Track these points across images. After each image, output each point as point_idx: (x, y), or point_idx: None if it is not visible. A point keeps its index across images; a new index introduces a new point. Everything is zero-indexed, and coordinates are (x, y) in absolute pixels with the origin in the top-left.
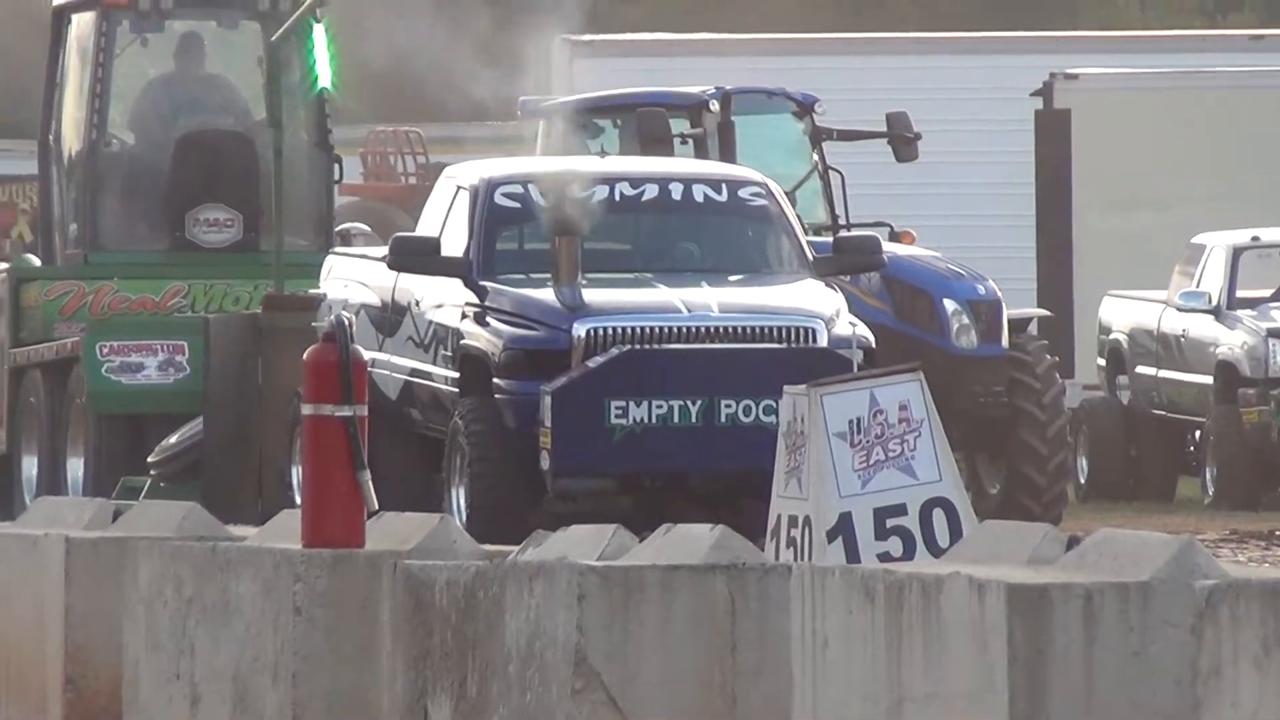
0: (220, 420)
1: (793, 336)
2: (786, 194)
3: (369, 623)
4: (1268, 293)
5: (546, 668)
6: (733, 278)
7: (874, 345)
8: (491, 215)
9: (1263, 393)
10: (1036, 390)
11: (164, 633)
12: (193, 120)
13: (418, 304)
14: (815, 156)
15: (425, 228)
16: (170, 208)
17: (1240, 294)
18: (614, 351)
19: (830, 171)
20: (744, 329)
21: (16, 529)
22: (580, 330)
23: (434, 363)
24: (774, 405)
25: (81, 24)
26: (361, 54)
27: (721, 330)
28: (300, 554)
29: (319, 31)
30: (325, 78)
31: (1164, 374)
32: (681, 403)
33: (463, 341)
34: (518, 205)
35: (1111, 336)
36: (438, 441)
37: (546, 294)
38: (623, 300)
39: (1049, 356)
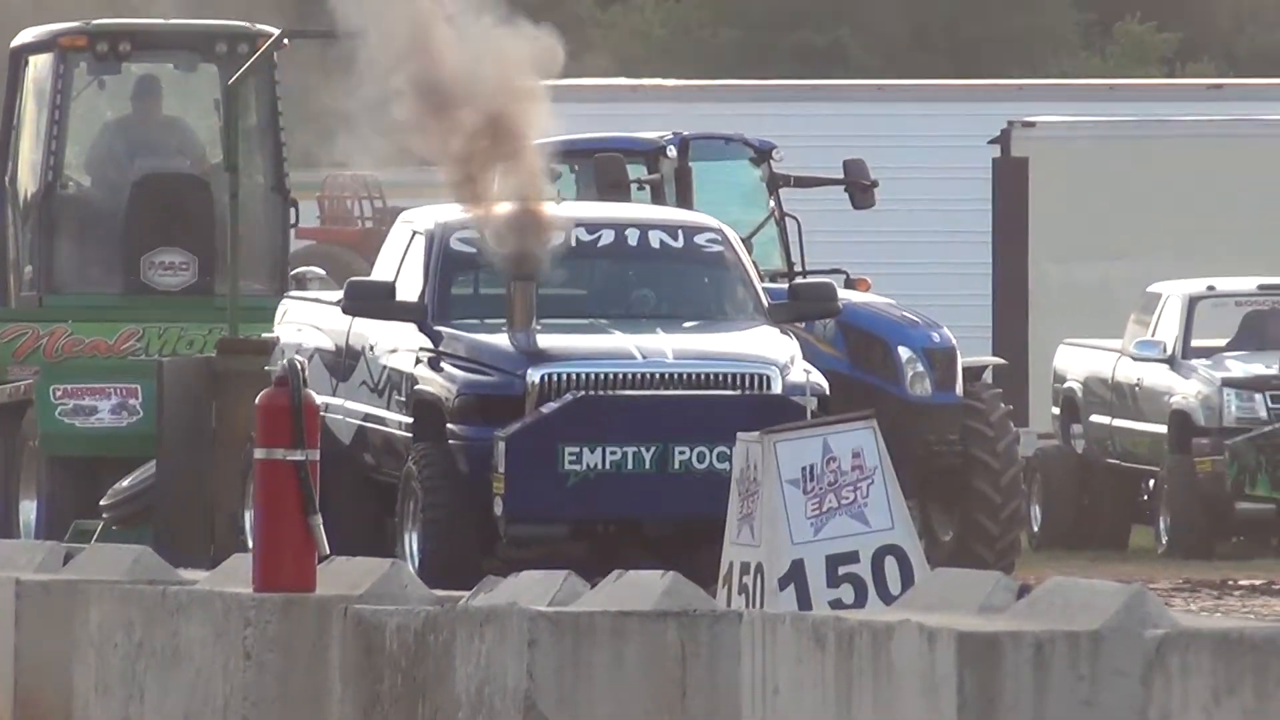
0: (173, 464)
1: (747, 383)
2: (743, 240)
3: (319, 667)
4: (1223, 342)
5: (496, 714)
6: (688, 324)
7: (828, 392)
8: (447, 260)
9: (1216, 442)
10: (990, 438)
11: (114, 676)
12: (149, 163)
13: (372, 349)
14: (772, 203)
15: (380, 272)
16: (126, 250)
17: (1195, 343)
18: (568, 397)
19: (787, 218)
20: (698, 375)
21: None
22: (535, 376)
23: (388, 408)
24: (727, 452)
25: (39, 65)
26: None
27: (676, 376)
28: (251, 598)
29: (283, 136)
30: (288, 183)
31: (1118, 423)
32: (635, 449)
33: (417, 387)
34: (473, 250)
35: (1066, 385)
36: (390, 487)
37: (501, 339)
38: (577, 346)
39: (1003, 405)
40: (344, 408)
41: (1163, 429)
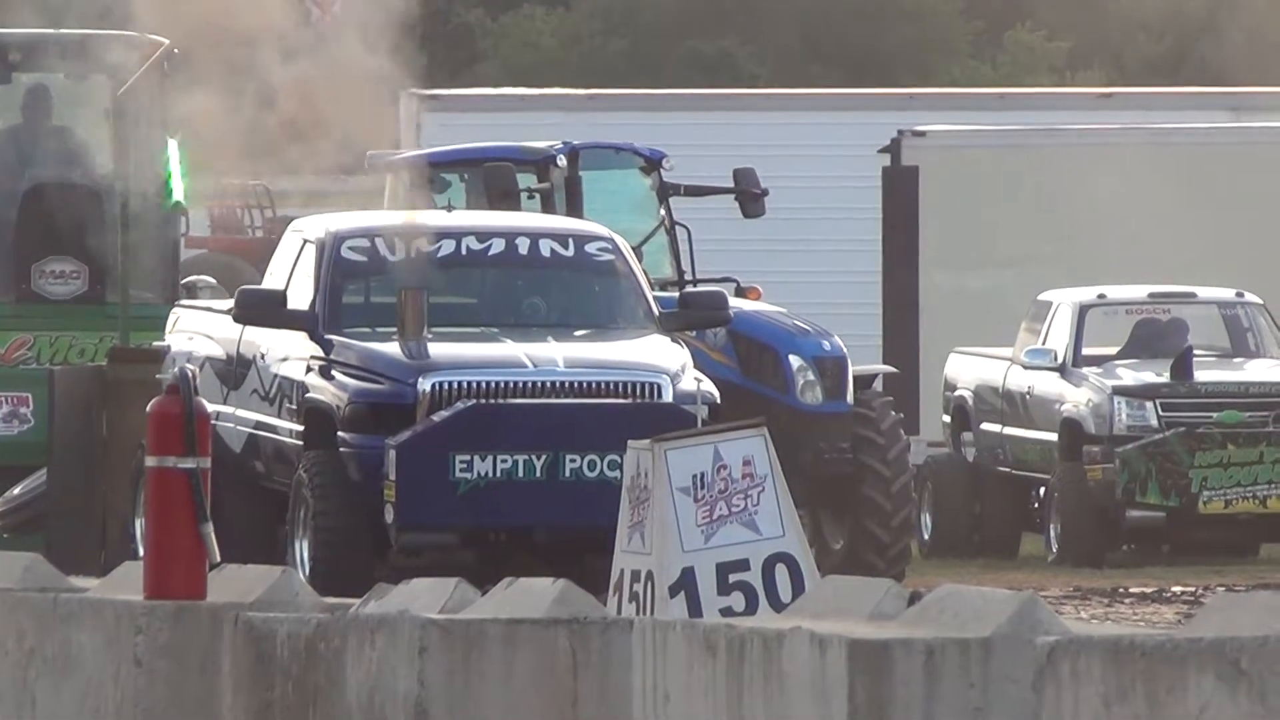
0: (64, 472)
1: (638, 392)
2: (633, 249)
3: (210, 675)
4: (1114, 350)
5: None
6: (579, 332)
7: (719, 401)
8: (337, 269)
9: (1107, 450)
10: (881, 446)
11: (5, 683)
12: (39, 172)
13: (263, 357)
14: (662, 212)
15: (271, 281)
16: (16, 259)
17: (1086, 351)
18: (459, 406)
19: (677, 226)
20: (589, 384)
21: None
22: (425, 385)
23: (279, 416)
24: (618, 460)
25: None
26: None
27: (566, 385)
28: (142, 606)
29: (173, 146)
30: (178, 192)
31: (1009, 431)
32: (526, 457)
33: (308, 395)
34: (364, 259)
35: (957, 393)
36: (282, 494)
37: (392, 348)
38: (468, 355)
39: (894, 413)
40: (235, 416)
41: (1053, 437)
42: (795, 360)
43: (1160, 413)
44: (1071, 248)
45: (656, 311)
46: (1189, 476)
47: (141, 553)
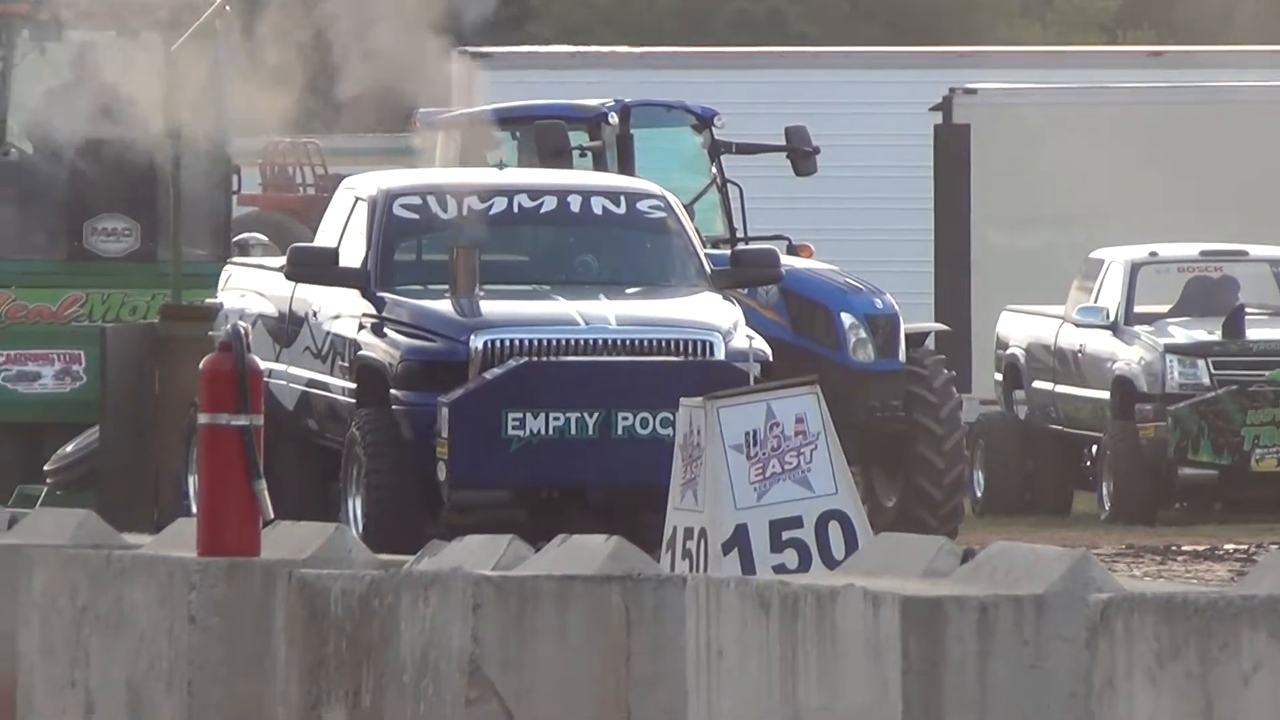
0: (116, 429)
1: (690, 349)
2: (685, 207)
3: (264, 632)
4: (1165, 308)
5: (441, 677)
6: (630, 290)
7: (771, 359)
8: (390, 226)
9: (1159, 408)
10: (933, 404)
11: (59, 640)
12: (91, 130)
13: (315, 315)
14: (714, 170)
15: (323, 239)
16: (68, 217)
17: (1138, 309)
18: (511, 363)
19: (729, 185)
20: (641, 341)
21: None
22: (478, 342)
23: (331, 373)
24: (670, 418)
25: None
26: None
27: (618, 343)
28: (195, 562)
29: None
30: (230, 149)
31: (1061, 389)
32: (578, 415)
33: (360, 352)
34: (416, 217)
35: (1009, 351)
36: (334, 452)
37: (444, 305)
38: (520, 312)
39: (946, 371)
40: (287, 373)
41: (1105, 395)
42: (847, 318)
43: (1212, 371)
44: (1123, 206)
45: (708, 269)
46: (1241, 434)
47: (194, 510)
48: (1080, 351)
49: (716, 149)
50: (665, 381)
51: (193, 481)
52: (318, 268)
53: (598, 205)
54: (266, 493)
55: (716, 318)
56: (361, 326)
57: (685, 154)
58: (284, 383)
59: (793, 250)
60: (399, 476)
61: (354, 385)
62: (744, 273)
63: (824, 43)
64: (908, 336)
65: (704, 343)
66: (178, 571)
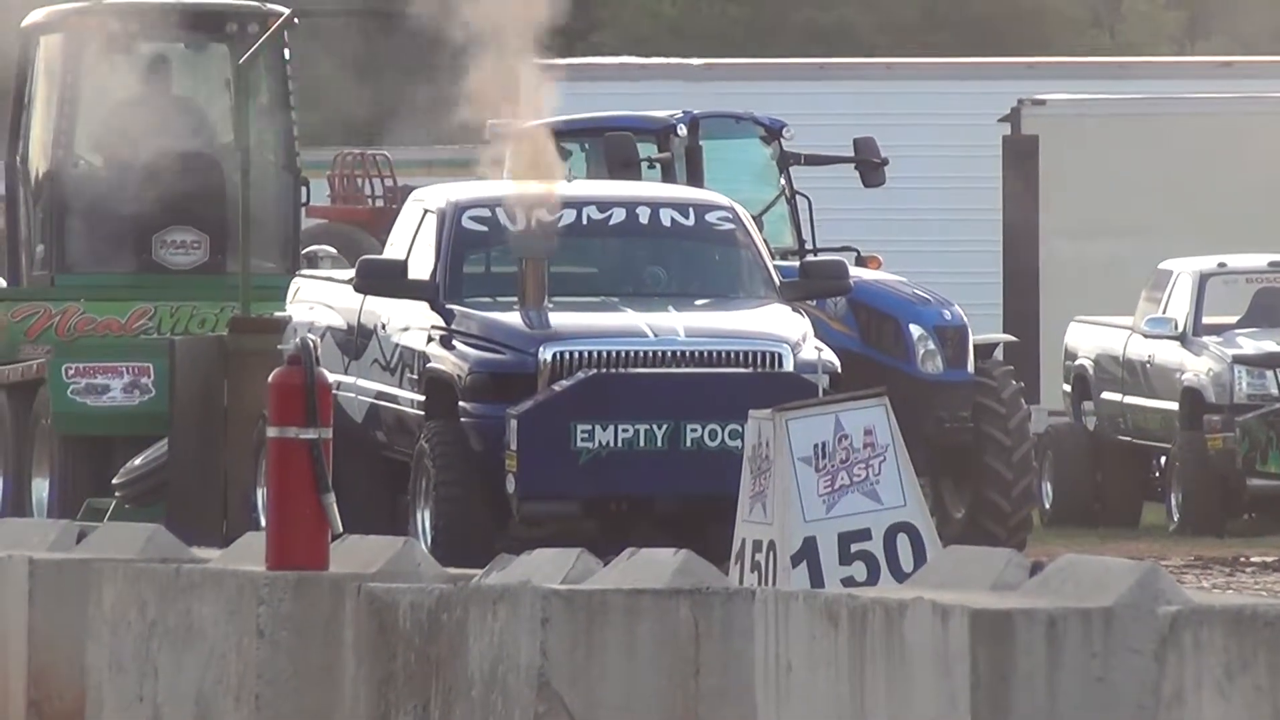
0: (185, 442)
1: (758, 361)
2: (754, 218)
3: (332, 645)
4: (1234, 319)
5: (510, 691)
6: (699, 302)
7: (839, 370)
8: (458, 238)
9: (1228, 419)
10: (1002, 415)
11: (127, 655)
12: (160, 142)
13: (384, 327)
14: (782, 181)
15: (392, 251)
16: (137, 229)
17: (1206, 320)
18: (580, 375)
19: (797, 196)
20: (710, 353)
21: None
22: (546, 354)
23: (400, 386)
24: (739, 429)
25: (50, 45)
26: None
27: (687, 354)
28: (264, 576)
29: (294, 115)
30: (299, 162)
31: (1129, 400)
32: (647, 426)
33: (429, 364)
34: (485, 229)
35: (1077, 362)
36: (403, 464)
37: (513, 317)
38: (589, 324)
39: (1014, 382)
40: (356, 386)
41: (1174, 406)
42: (916, 329)
43: None
44: (1191, 217)
45: (777, 281)
46: None
47: (263, 523)
48: (1149, 362)
49: (785, 160)
50: (734, 393)
51: (261, 495)
52: (386, 280)
53: (666, 217)
54: (335, 506)
55: (785, 329)
56: (430, 339)
57: (754, 165)
58: (353, 395)
59: (861, 262)
60: (468, 489)
61: (423, 397)
62: (812, 284)
63: (893, 53)
64: (976, 348)
65: (773, 354)
66: (246, 585)
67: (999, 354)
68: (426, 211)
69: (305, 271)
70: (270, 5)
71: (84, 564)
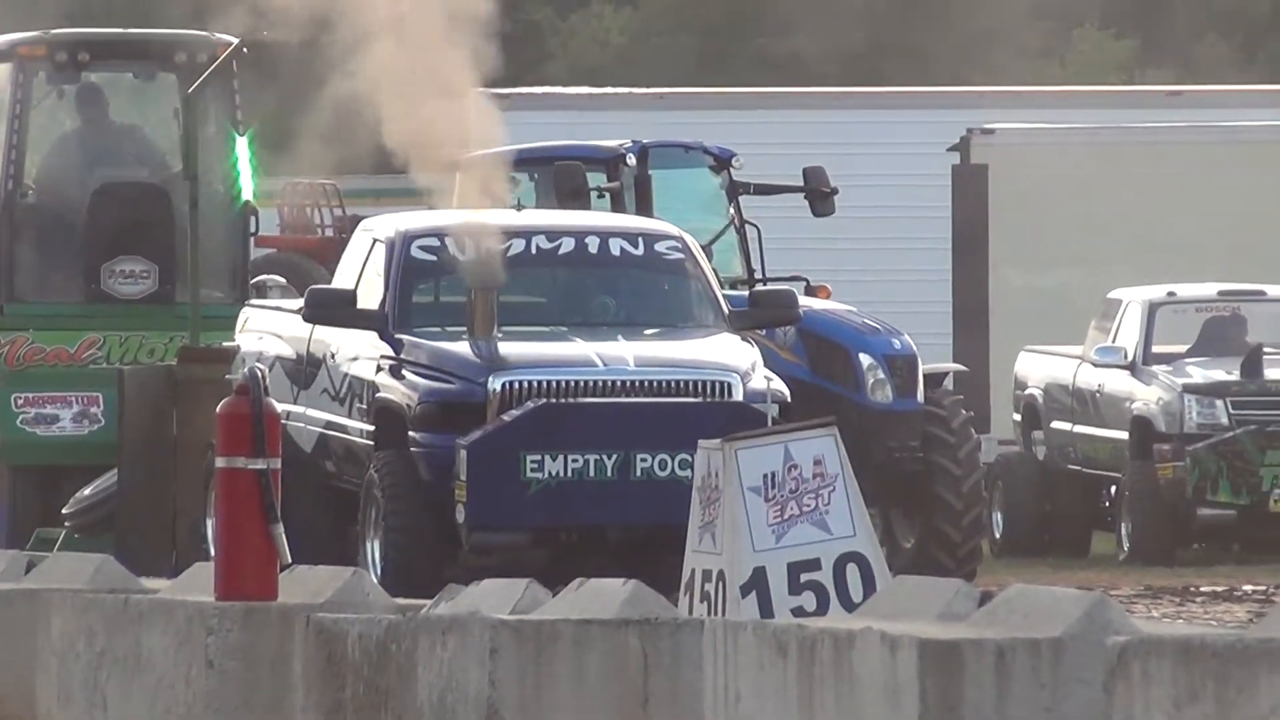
0: (135, 472)
1: (708, 391)
2: (703, 248)
3: (281, 676)
4: (1183, 348)
5: None
6: (649, 331)
7: (789, 399)
8: (407, 268)
9: (1178, 449)
10: (951, 445)
11: (76, 685)
12: (109, 172)
13: (333, 356)
14: (732, 210)
15: (341, 280)
16: (86, 259)
17: (1156, 349)
18: (529, 405)
19: (747, 225)
20: (659, 383)
21: None
22: (496, 384)
23: (349, 415)
24: (689, 459)
25: None
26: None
27: (637, 384)
28: (213, 607)
29: (242, 145)
30: (248, 190)
31: (1079, 429)
32: (597, 456)
33: (378, 394)
34: (434, 258)
35: (1027, 391)
36: (352, 494)
37: (462, 347)
38: (538, 354)
39: (964, 411)
40: (305, 415)
41: (1124, 435)
42: (865, 358)
43: (1230, 410)
44: (1141, 246)
45: (726, 310)
46: (1260, 474)
47: (212, 553)
48: (1098, 392)
49: (734, 190)
50: (683, 423)
51: (211, 525)
52: (335, 309)
53: (616, 246)
54: (284, 536)
55: (734, 359)
56: (379, 368)
57: (703, 195)
58: (302, 425)
59: (811, 291)
60: (417, 519)
61: (372, 427)
62: (762, 313)
63: (844, 82)
64: (926, 377)
65: (722, 384)
66: (195, 616)
67: (949, 383)
68: (375, 241)
69: (254, 301)
70: (219, 35)
71: (32, 594)
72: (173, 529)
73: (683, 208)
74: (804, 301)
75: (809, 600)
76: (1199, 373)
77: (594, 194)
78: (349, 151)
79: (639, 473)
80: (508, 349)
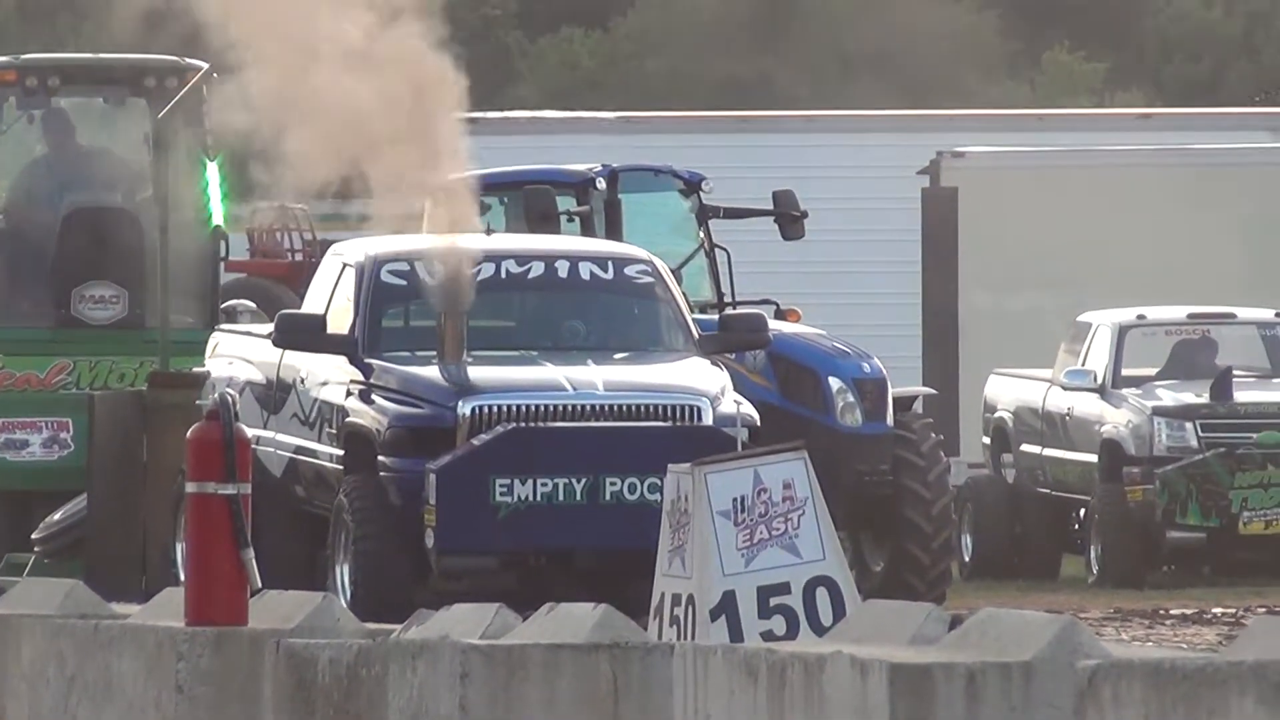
0: (104, 497)
1: (677, 414)
2: (672, 271)
3: (251, 701)
4: (1153, 371)
5: None
6: (618, 355)
7: (759, 423)
8: (377, 293)
9: (1147, 472)
10: (921, 468)
11: (47, 710)
12: (79, 197)
13: (303, 381)
14: (701, 234)
15: (311, 305)
16: (56, 284)
17: (1126, 372)
18: (499, 429)
19: (716, 249)
20: (629, 407)
21: None
22: (465, 408)
23: (319, 440)
24: (658, 483)
25: None
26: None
27: (606, 408)
28: (183, 632)
29: (212, 170)
30: (218, 215)
31: (1049, 452)
32: (566, 481)
33: (348, 419)
34: (403, 283)
35: (997, 414)
36: (322, 519)
37: (432, 372)
38: (508, 378)
39: (934, 434)
40: (275, 440)
41: (1093, 458)
42: (835, 382)
43: (1200, 433)
44: (1110, 269)
45: (696, 334)
46: (1229, 497)
47: (182, 578)
48: (1068, 414)
49: (704, 213)
50: (653, 447)
51: (181, 550)
52: (305, 334)
53: (585, 270)
54: (254, 561)
55: (704, 383)
56: (349, 393)
57: (673, 218)
58: (272, 450)
59: (780, 315)
60: (387, 544)
61: (342, 452)
62: (731, 337)
63: (813, 105)
64: (895, 400)
65: (692, 408)
66: (165, 641)
67: (918, 406)
68: (345, 265)
69: (224, 326)
70: (189, 60)
71: (2, 620)
72: (143, 554)
73: (652, 231)
74: (774, 325)
75: (779, 624)
76: (1169, 395)
77: (564, 218)
78: (317, 176)
79: (608, 497)
80: (477, 373)
